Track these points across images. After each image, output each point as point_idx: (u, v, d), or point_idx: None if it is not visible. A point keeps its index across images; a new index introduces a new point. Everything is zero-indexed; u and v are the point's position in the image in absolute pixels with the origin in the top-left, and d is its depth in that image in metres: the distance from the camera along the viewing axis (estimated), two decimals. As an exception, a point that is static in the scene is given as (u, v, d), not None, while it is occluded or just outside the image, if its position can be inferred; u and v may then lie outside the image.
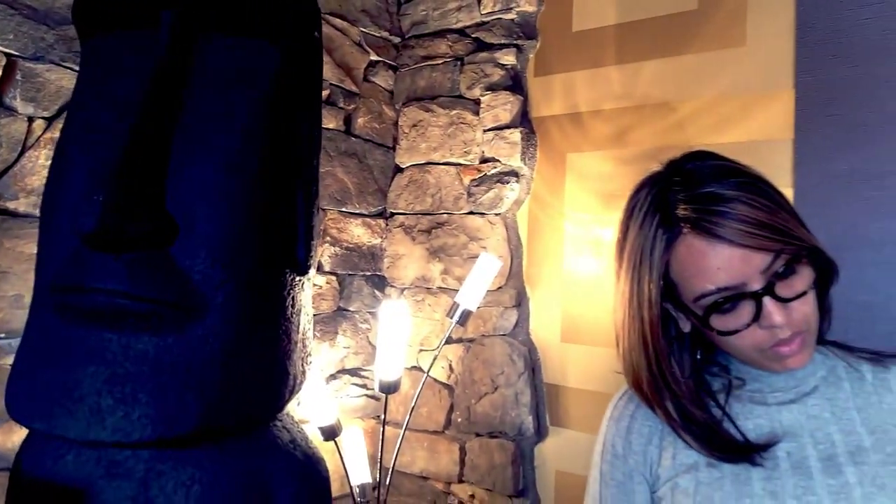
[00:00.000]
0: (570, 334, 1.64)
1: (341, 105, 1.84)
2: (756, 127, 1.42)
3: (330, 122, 1.80)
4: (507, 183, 1.72)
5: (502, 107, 1.75)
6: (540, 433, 1.66)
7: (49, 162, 0.99)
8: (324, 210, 1.78)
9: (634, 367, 0.85)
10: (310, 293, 0.93)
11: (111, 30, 0.81)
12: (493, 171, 1.75)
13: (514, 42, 1.78)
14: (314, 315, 1.73)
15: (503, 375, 1.68)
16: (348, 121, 1.87)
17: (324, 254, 1.77)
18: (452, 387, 1.78)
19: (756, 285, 0.73)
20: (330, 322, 1.78)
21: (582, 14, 1.70)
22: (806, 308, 0.76)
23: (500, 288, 1.72)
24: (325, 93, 1.79)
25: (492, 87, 1.78)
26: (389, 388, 1.43)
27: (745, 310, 0.75)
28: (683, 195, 0.77)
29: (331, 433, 1.39)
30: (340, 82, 1.83)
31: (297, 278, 0.86)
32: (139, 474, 0.74)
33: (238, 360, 0.76)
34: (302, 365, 0.89)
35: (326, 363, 1.76)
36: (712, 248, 0.74)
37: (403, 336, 1.49)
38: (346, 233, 1.84)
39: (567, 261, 1.66)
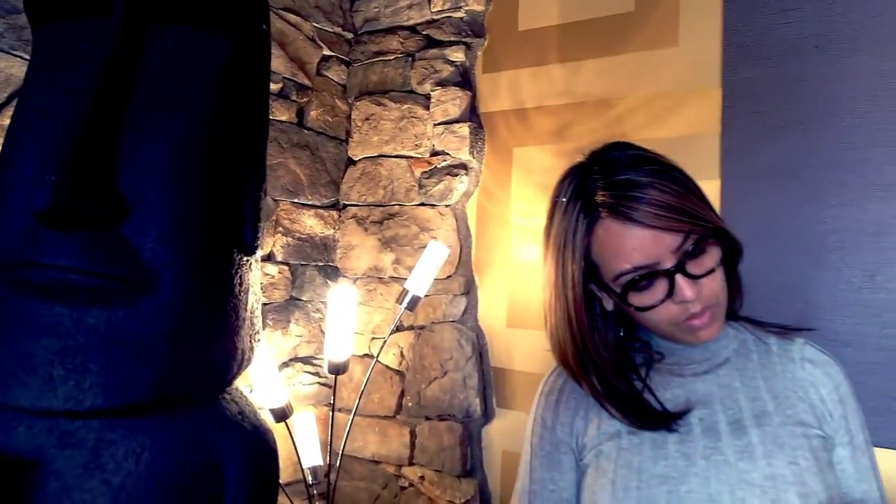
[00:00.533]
0: (516, 319, 1.71)
1: (294, 98, 1.87)
2: (687, 122, 1.51)
3: (282, 114, 1.84)
4: (457, 175, 1.78)
5: (452, 102, 1.81)
6: (487, 415, 1.73)
7: (-1, 147, 1.01)
8: (276, 201, 1.81)
9: (561, 344, 0.92)
10: (258, 274, 0.97)
11: (63, 18, 0.84)
12: (443, 164, 1.81)
13: (463, 40, 1.84)
14: (267, 304, 1.77)
15: (452, 360, 1.74)
16: (301, 113, 1.91)
17: (276, 244, 1.81)
18: (403, 373, 1.84)
19: (668, 264, 0.80)
20: (282, 311, 1.81)
21: (527, 14, 1.77)
22: (715, 284, 0.84)
23: (449, 276, 1.78)
24: (277, 86, 1.82)
25: (441, 83, 1.84)
26: (338, 370, 1.48)
27: (660, 286, 0.82)
28: (602, 183, 0.84)
29: (281, 415, 1.44)
30: (293, 76, 1.86)
31: (245, 259, 0.90)
32: (90, 443, 0.77)
33: (187, 333, 0.80)
34: (250, 341, 0.93)
35: (279, 351, 1.79)
36: (628, 230, 0.81)
37: (351, 319, 1.54)
38: (298, 223, 1.87)
39: (513, 250, 1.73)
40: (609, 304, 0.90)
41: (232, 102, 0.86)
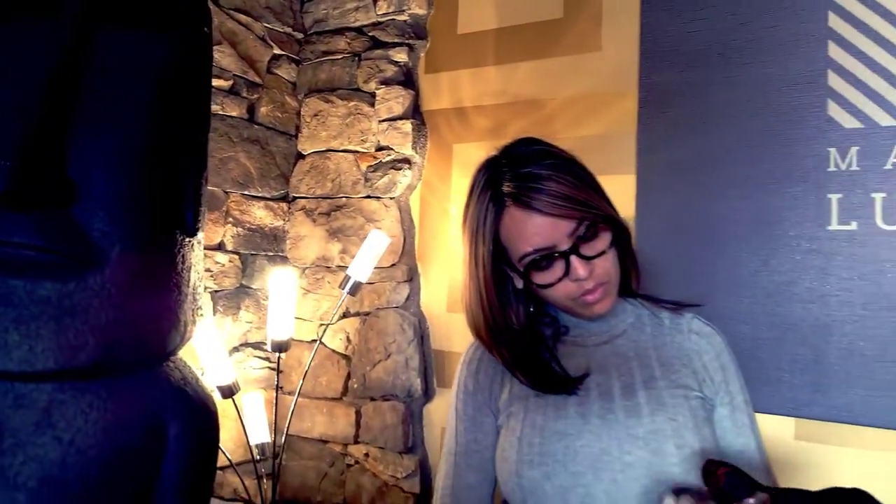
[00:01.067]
0: (455, 304, 1.82)
1: (245, 95, 1.96)
2: (607, 122, 1.64)
3: (233, 110, 1.92)
4: (401, 169, 1.89)
5: (395, 100, 1.91)
6: (428, 394, 1.84)
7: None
8: (227, 193, 1.90)
9: (474, 318, 1.03)
10: (200, 255, 1.06)
11: (9, 18, 0.92)
12: (388, 159, 1.91)
13: (407, 41, 1.94)
14: (217, 291, 1.85)
15: (395, 344, 1.85)
16: (252, 109, 1.99)
17: (226, 234, 1.89)
18: (350, 356, 1.94)
19: (564, 246, 0.92)
20: (233, 298, 1.90)
21: (466, 18, 1.88)
22: (606, 264, 0.95)
23: (393, 265, 1.89)
24: (228, 83, 1.90)
25: (386, 82, 1.94)
26: (281, 348, 1.57)
27: (558, 266, 0.93)
28: (509, 175, 0.95)
29: (229, 391, 1.52)
30: (244, 73, 1.95)
31: (187, 239, 0.99)
32: (42, 404, 0.86)
33: (133, 304, 0.89)
34: (192, 315, 1.02)
35: (230, 336, 1.88)
36: (529, 217, 0.92)
37: (291, 300, 1.64)
38: (248, 214, 1.96)
39: (453, 240, 1.85)
40: (519, 284, 1.02)
41: (174, 98, 0.95)
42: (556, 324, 1.06)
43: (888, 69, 1.33)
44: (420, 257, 1.90)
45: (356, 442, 1.90)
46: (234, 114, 1.92)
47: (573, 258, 0.92)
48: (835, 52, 1.38)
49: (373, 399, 1.88)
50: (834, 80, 1.38)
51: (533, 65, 1.76)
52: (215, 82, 1.87)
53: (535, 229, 0.92)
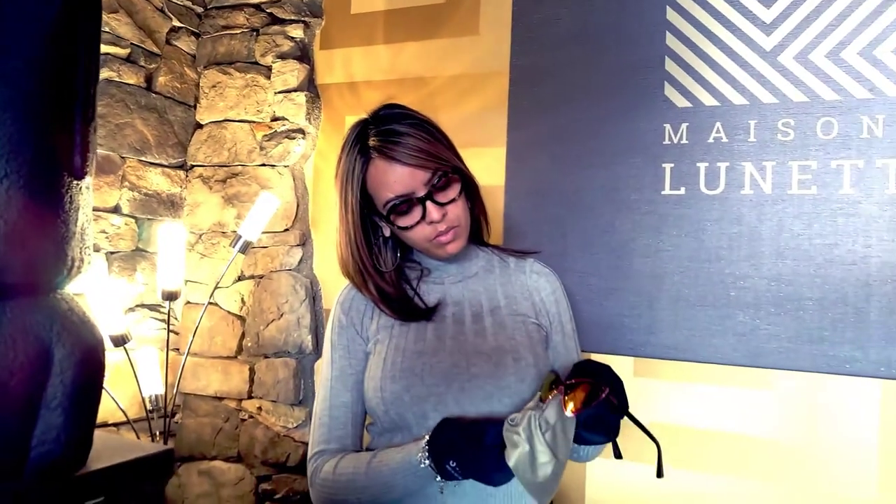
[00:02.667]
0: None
1: (142, 64, 2.01)
2: (484, 99, 1.81)
3: (130, 78, 1.97)
4: (294, 139, 2.00)
5: (291, 73, 2.02)
6: (318, 351, 1.96)
7: None
8: (123, 158, 1.95)
9: (344, 259, 1.17)
10: (89, 199, 1.15)
11: None
12: (282, 129, 2.02)
13: (303, 19, 2.05)
14: (113, 252, 1.91)
15: (287, 304, 1.96)
16: (150, 79, 2.04)
17: (122, 198, 1.94)
18: (244, 317, 2.03)
19: (421, 193, 1.07)
20: (128, 260, 1.95)
21: (359, -1, 2.01)
22: (457, 210, 1.12)
23: (286, 229, 2.00)
24: (125, 51, 1.95)
25: (282, 56, 2.04)
26: (171, 296, 1.66)
27: (416, 211, 1.09)
28: (374, 131, 1.09)
29: (121, 340, 1.60)
30: (141, 43, 2.00)
31: (75, 182, 1.08)
32: (-66, 325, 0.93)
33: (23, 235, 0.97)
34: (81, 253, 1.11)
35: (125, 296, 1.93)
36: (391, 167, 1.07)
37: (180, 251, 1.72)
38: (145, 180, 2.02)
39: (344, 207, 1.97)
40: (387, 231, 1.16)
41: (63, 51, 1.04)
42: (420, 267, 1.22)
43: (713, 58, 1.56)
44: (313, 223, 2.02)
45: (250, 397, 2.00)
46: (131, 81, 1.97)
47: (428, 203, 1.08)
48: (671, 41, 1.60)
49: (266, 356, 1.99)
50: (670, 66, 1.60)
51: (418, 45, 1.91)
52: (111, 49, 1.92)
53: (395, 177, 1.07)
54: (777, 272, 1.46)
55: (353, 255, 1.16)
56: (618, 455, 0.97)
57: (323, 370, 1.17)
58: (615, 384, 0.94)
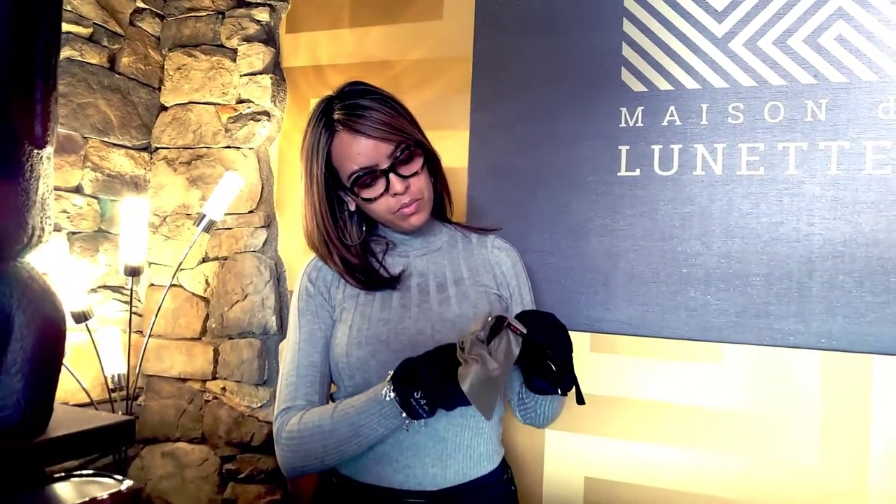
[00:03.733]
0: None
1: (105, 44, 2.00)
2: (446, 84, 1.84)
3: (93, 58, 1.96)
4: (259, 121, 2.01)
5: (256, 56, 2.03)
6: (283, 331, 1.97)
7: None
8: (85, 138, 1.94)
9: (309, 231, 1.19)
10: (50, 170, 1.15)
11: None
12: (248, 111, 2.03)
13: (269, 2, 2.06)
14: (75, 233, 1.90)
15: (252, 285, 1.97)
16: (113, 59, 2.03)
17: (85, 178, 1.93)
18: (208, 299, 2.04)
19: (384, 165, 1.10)
20: (91, 240, 1.95)
21: (325, -17, 2.02)
22: (420, 183, 1.15)
23: (251, 211, 2.01)
24: (88, 30, 1.94)
25: (248, 39, 2.05)
26: (134, 272, 1.66)
27: (379, 184, 1.12)
28: (339, 106, 1.12)
29: (82, 317, 1.59)
30: (104, 23, 1.99)
31: (36, 151, 1.09)
32: None
33: (-21, 200, 0.98)
34: (41, 222, 1.11)
35: (87, 277, 1.92)
36: (356, 139, 1.10)
37: (143, 225, 1.72)
38: (108, 161, 2.01)
39: (309, 189, 1.99)
40: (352, 206, 1.19)
41: (23, 20, 1.04)
42: (385, 241, 1.24)
43: (668, 44, 1.61)
44: (278, 205, 2.03)
45: (214, 378, 2.01)
46: (93, 61, 1.96)
47: (392, 176, 1.11)
48: (628, 27, 1.65)
49: (230, 337, 2.00)
50: (627, 51, 1.65)
51: (383, 29, 1.93)
52: (74, 28, 1.91)
53: (360, 150, 1.10)
54: (726, 250, 1.53)
55: (318, 227, 1.18)
56: (580, 401, 1.01)
57: (290, 335, 1.19)
58: (556, 331, 0.98)
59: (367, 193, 1.13)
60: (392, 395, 0.97)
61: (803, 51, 1.50)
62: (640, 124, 1.62)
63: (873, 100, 1.44)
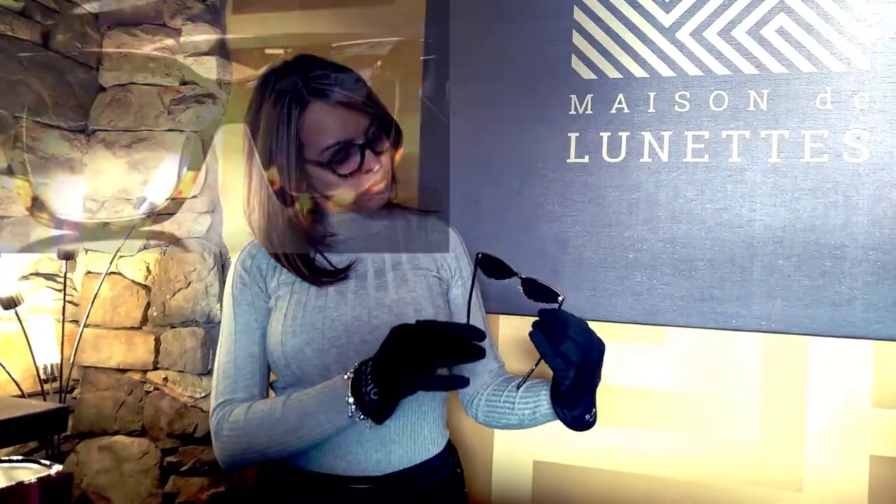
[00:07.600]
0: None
1: (38, 20, 1.91)
2: (399, 68, 1.82)
3: (24, 33, 1.87)
4: (204, 104, 1.95)
5: (201, 36, 1.97)
6: (227, 320, 1.92)
7: None
8: (16, 117, 1.85)
9: (256, 217, 1.13)
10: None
11: None
12: (192, 93, 1.96)
13: (214, -19, 2.00)
14: (4, 217, 1.81)
15: (195, 272, 1.91)
16: (46, 36, 1.94)
17: (15, 159, 1.84)
18: (149, 287, 1.97)
19: (360, 140, 1.06)
20: (22, 225, 1.85)
21: (273, -37, 1.98)
22: (387, 161, 1.12)
23: (194, 196, 1.94)
24: (19, 4, 1.85)
25: (192, 19, 1.98)
26: (67, 256, 1.59)
27: (354, 158, 1.06)
28: (303, 77, 1.04)
29: (10, 303, 1.52)
30: (38, -3, 1.90)
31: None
32: None
33: None
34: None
35: (18, 264, 1.83)
36: (334, 109, 1.03)
37: (78, 210, 1.64)
38: (41, 142, 1.92)
39: (256, 174, 1.94)
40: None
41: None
42: (325, 227, 1.20)
43: (617, 33, 1.63)
44: (223, 191, 1.98)
45: (155, 368, 1.94)
46: (25, 37, 1.87)
47: (367, 151, 1.06)
48: (579, 15, 1.66)
49: (173, 326, 1.93)
50: (577, 39, 1.66)
51: (333, 12, 1.90)
52: (3, 1, 1.81)
53: (337, 122, 1.03)
54: (672, 235, 1.55)
55: (264, 216, 1.11)
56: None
57: (225, 325, 1.15)
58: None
59: (342, 168, 1.06)
60: (350, 374, 0.97)
61: (746, 42, 1.54)
62: (589, 111, 1.64)
63: (812, 91, 1.49)
